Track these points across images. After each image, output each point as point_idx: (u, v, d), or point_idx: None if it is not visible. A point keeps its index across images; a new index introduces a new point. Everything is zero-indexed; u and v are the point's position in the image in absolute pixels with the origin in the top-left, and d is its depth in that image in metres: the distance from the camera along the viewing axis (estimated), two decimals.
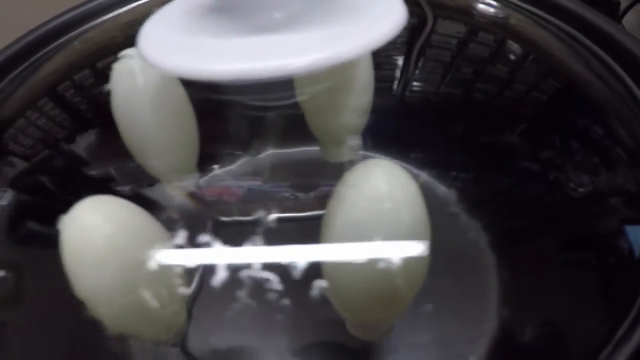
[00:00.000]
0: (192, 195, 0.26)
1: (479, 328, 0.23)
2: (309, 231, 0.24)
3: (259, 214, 0.26)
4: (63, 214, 0.16)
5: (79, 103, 0.27)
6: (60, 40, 0.27)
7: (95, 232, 0.16)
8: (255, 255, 0.21)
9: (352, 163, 0.25)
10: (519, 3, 0.26)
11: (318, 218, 0.24)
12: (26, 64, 0.26)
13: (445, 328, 0.23)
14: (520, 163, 0.25)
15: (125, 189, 0.26)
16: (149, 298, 0.18)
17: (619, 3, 0.38)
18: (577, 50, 0.25)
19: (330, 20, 0.18)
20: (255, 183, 0.29)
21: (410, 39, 0.27)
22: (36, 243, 0.23)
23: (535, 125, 0.25)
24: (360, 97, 0.23)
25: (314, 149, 0.29)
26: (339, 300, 0.19)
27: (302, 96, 0.22)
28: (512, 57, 0.27)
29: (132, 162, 0.25)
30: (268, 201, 0.27)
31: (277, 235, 0.24)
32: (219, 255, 0.20)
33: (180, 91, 0.23)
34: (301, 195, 0.27)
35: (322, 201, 0.26)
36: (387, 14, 0.17)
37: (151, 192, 0.26)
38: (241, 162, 0.29)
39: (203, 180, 0.27)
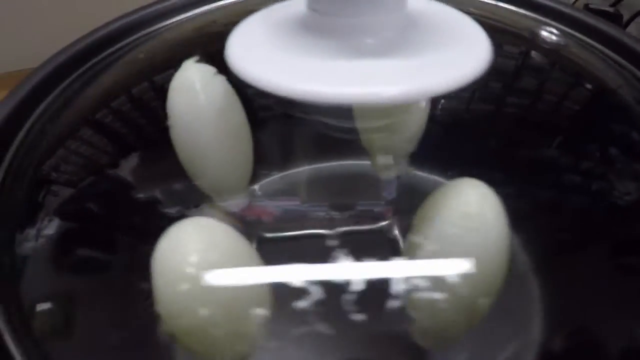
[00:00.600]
0: (233, 215, 0.26)
1: (525, 341, 0.24)
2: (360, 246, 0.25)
3: (309, 230, 0.26)
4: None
5: (121, 125, 0.27)
6: (114, 48, 0.26)
7: (193, 253, 0.16)
8: (323, 272, 0.21)
9: (399, 178, 0.26)
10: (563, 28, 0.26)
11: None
12: (76, 74, 0.24)
13: (492, 339, 0.24)
14: (561, 175, 0.26)
15: (172, 210, 0.25)
16: (237, 319, 0.17)
17: (621, 16, 0.40)
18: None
19: (420, 50, 0.17)
20: (295, 203, 0.29)
21: None
22: (86, 270, 0.23)
23: (574, 135, 0.26)
24: (417, 117, 0.24)
25: (355, 162, 0.30)
26: (419, 311, 0.19)
27: (370, 120, 0.23)
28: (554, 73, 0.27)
29: (179, 183, 0.25)
30: (308, 220, 0.27)
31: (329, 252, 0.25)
32: (296, 274, 0.20)
33: (239, 107, 0.22)
34: (339, 214, 0.27)
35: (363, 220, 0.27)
36: (474, 48, 0.18)
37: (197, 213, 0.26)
38: (279, 178, 0.30)
39: (243, 200, 0.26)
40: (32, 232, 0.20)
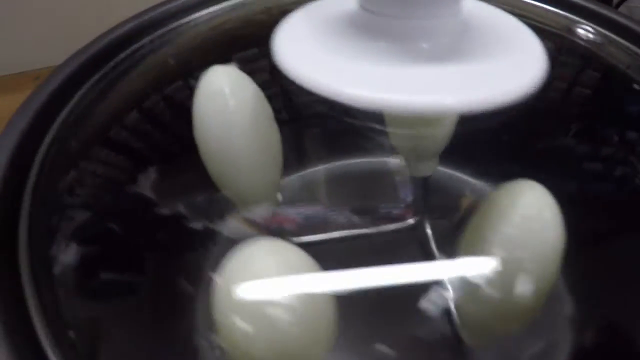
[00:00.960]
0: (257, 226, 0.25)
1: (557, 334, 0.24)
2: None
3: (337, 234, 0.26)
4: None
5: (139, 137, 0.25)
6: (137, 45, 0.23)
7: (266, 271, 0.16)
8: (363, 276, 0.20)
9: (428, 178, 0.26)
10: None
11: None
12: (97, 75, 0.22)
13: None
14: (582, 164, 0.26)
15: (197, 225, 0.24)
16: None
17: None
18: None
19: (475, 58, 0.16)
20: (317, 208, 0.28)
21: None
22: (110, 294, 0.22)
23: (592, 124, 0.26)
24: (449, 121, 0.23)
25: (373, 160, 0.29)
26: (470, 310, 0.19)
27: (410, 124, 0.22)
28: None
29: (201, 195, 0.24)
30: (334, 225, 0.26)
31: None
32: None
33: (269, 110, 0.22)
34: (363, 216, 0.27)
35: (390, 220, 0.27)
36: (530, 58, 0.17)
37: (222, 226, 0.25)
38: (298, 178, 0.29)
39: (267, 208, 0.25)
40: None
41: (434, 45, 0.16)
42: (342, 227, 0.26)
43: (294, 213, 0.27)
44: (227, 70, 0.20)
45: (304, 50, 0.17)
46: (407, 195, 0.26)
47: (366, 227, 0.26)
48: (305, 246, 0.25)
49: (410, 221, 0.26)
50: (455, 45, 0.17)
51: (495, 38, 0.17)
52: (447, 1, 0.16)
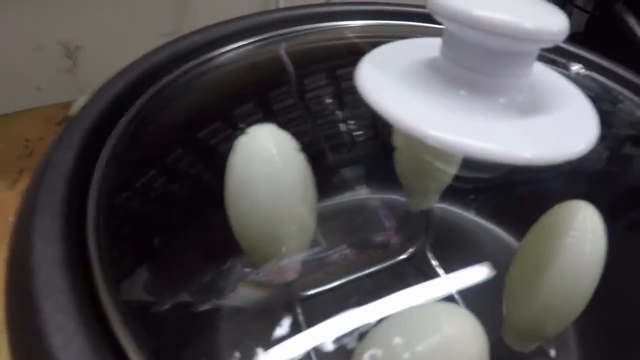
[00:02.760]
0: (265, 285, 0.24)
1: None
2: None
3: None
4: None
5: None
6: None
7: None
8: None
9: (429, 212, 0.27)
10: None
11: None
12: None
13: None
14: None
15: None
16: None
17: None
18: None
19: (543, 114, 0.18)
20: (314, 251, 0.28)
21: None
22: None
23: None
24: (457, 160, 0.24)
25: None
26: (519, 315, 0.21)
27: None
28: None
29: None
30: (336, 266, 0.26)
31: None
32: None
33: (308, 169, 0.20)
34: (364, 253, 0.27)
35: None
36: (585, 119, 0.18)
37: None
38: None
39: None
40: None
41: (509, 100, 0.17)
42: (345, 269, 0.27)
43: (292, 261, 0.26)
44: (270, 131, 0.19)
45: (389, 86, 0.18)
46: (407, 228, 0.28)
47: (370, 264, 0.27)
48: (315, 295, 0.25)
49: (413, 253, 0.27)
50: (525, 102, 0.18)
51: (556, 97, 0.19)
52: (524, 62, 0.17)
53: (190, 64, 0.23)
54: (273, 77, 0.26)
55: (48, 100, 0.51)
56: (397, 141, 0.24)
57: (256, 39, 0.26)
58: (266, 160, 0.18)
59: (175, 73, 0.22)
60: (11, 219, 0.36)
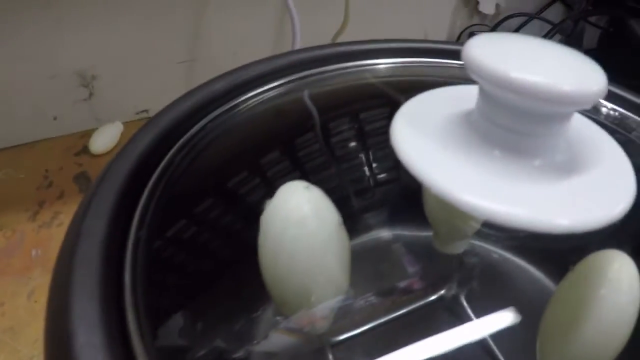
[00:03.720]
0: (295, 332, 0.24)
1: None
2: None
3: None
4: None
5: None
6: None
7: None
8: None
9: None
10: None
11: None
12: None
13: None
14: None
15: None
16: None
17: None
18: None
19: (579, 175, 0.17)
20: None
21: None
22: None
23: None
24: None
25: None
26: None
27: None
28: None
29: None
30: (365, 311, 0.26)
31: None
32: None
33: (343, 230, 0.20)
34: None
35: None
36: (623, 178, 0.17)
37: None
38: None
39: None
40: None
41: (545, 162, 0.17)
42: (376, 313, 0.26)
43: (321, 309, 0.26)
44: (300, 190, 0.19)
45: (424, 144, 0.17)
46: (437, 267, 0.27)
47: (400, 307, 0.26)
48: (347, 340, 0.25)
49: (444, 295, 0.27)
50: (561, 161, 0.17)
51: (591, 152, 0.18)
52: (561, 121, 0.17)
53: (215, 113, 0.23)
54: (297, 122, 0.26)
55: (66, 130, 0.51)
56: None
57: (278, 82, 0.25)
58: (299, 223, 0.18)
59: (201, 124, 0.22)
60: (34, 252, 0.36)
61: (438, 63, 0.27)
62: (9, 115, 0.48)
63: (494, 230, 0.25)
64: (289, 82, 0.25)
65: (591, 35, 0.62)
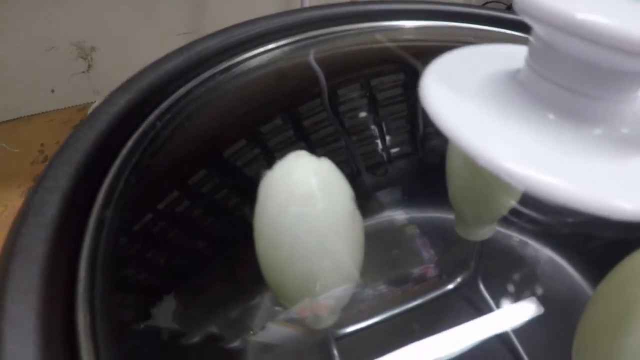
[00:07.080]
0: (295, 323, 0.20)
1: None
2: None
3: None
4: None
5: None
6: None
7: None
8: None
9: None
10: None
11: None
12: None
13: None
14: None
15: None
16: None
17: None
18: None
19: None
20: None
21: None
22: None
23: None
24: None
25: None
26: None
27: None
28: None
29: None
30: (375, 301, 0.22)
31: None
32: None
33: (356, 211, 0.16)
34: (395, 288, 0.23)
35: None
36: None
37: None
38: None
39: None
40: None
41: (607, 132, 0.13)
42: (386, 304, 0.22)
43: (324, 297, 0.22)
44: (306, 162, 0.15)
45: (461, 105, 0.13)
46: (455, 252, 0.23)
47: (413, 298, 0.23)
48: (350, 334, 0.21)
49: (461, 283, 0.23)
50: (627, 136, 0.14)
51: None
52: (633, 81, 0.13)
53: (208, 72, 0.19)
54: (302, 87, 0.22)
55: (64, 103, 0.48)
56: (452, 162, 0.19)
57: (283, 42, 0.21)
58: (304, 199, 0.14)
59: (191, 83, 0.18)
60: None
61: (467, 28, 0.23)
62: (5, 88, 0.44)
63: (530, 210, 0.21)
64: (295, 42, 0.21)
65: None
